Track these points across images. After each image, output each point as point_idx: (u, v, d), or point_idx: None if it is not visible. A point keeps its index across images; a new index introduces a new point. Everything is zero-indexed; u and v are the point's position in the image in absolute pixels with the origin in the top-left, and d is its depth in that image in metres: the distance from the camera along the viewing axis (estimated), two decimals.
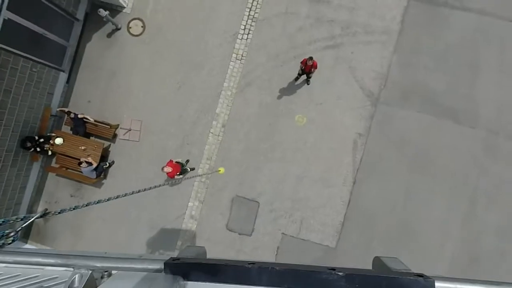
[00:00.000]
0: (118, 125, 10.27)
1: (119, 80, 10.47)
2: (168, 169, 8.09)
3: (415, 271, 1.19)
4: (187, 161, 9.98)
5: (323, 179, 9.52)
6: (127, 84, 10.43)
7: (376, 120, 9.46)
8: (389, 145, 9.37)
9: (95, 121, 9.55)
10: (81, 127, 9.62)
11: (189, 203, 10.11)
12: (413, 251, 9.21)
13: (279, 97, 9.85)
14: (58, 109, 9.88)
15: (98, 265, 1.26)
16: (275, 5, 9.97)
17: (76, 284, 1.17)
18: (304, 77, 9.54)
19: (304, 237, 9.51)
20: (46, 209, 1.94)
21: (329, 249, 9.32)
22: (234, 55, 10.13)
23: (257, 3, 10.05)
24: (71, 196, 10.50)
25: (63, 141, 9.38)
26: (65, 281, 1.17)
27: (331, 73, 9.70)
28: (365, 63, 9.57)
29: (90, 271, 1.21)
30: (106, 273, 1.24)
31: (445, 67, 9.27)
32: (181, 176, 9.05)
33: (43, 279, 1.22)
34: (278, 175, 9.71)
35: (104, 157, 10.25)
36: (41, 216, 1.74)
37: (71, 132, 9.94)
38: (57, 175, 10.34)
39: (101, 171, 9.61)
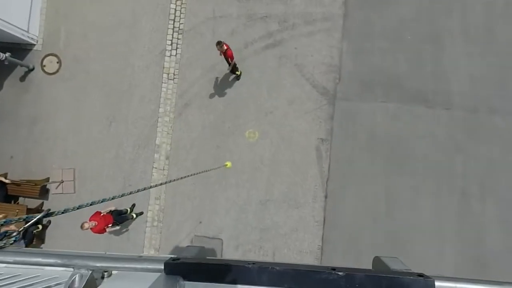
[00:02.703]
0: (47, 178, 8.87)
1: (42, 126, 9.09)
2: (91, 224, 6.58)
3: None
4: (133, 205, 8.56)
5: (290, 199, 8.12)
6: (52, 129, 9.05)
7: (337, 120, 8.14)
8: (358, 146, 8.03)
9: (12, 181, 8.12)
10: None
11: (144, 254, 8.62)
12: (409, 263, 7.77)
13: (223, 114, 8.52)
14: None
15: (98, 265, 1.24)
16: (201, 11, 8.72)
17: (76, 284, 1.16)
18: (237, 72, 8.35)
19: None
20: (49, 209, 1.60)
21: None
22: (165, 75, 8.83)
23: (180, 13, 8.80)
24: None
25: None
26: (65, 281, 1.17)
27: (277, 75, 8.40)
28: (312, 57, 8.30)
29: (90, 271, 1.20)
30: (106, 273, 1.23)
31: (403, 46, 8.02)
32: (117, 227, 7.60)
33: (43, 279, 1.20)
34: (238, 204, 8.30)
35: None
36: (44, 216, 1.55)
37: None
38: None
39: (31, 237, 8.13)
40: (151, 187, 3.22)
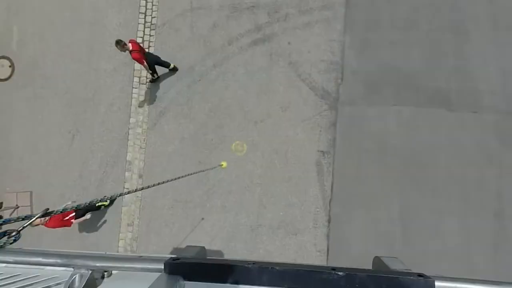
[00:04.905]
0: (0, 204, 7.53)
1: None
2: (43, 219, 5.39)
3: None
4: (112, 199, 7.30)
5: (286, 224, 6.77)
6: (4, 146, 7.73)
7: (340, 128, 6.80)
8: (365, 158, 6.68)
9: None
10: None
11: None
12: None
13: (205, 123, 7.18)
14: None
15: (98, 265, 1.23)
16: (176, 2, 7.39)
17: (76, 284, 1.15)
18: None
19: None
20: (48, 209, 1.54)
21: None
22: (136, 79, 7.50)
23: (153, 5, 7.46)
24: None
25: None
26: (65, 281, 1.16)
27: (268, 75, 7.07)
28: (309, 53, 6.96)
29: (90, 271, 1.18)
30: (106, 273, 1.22)
31: (416, 37, 6.69)
32: (88, 216, 6.56)
33: (43, 279, 1.19)
34: (225, 230, 6.96)
35: None
36: (43, 215, 1.48)
37: None
38: None
39: None
40: (135, 190, 2.97)
